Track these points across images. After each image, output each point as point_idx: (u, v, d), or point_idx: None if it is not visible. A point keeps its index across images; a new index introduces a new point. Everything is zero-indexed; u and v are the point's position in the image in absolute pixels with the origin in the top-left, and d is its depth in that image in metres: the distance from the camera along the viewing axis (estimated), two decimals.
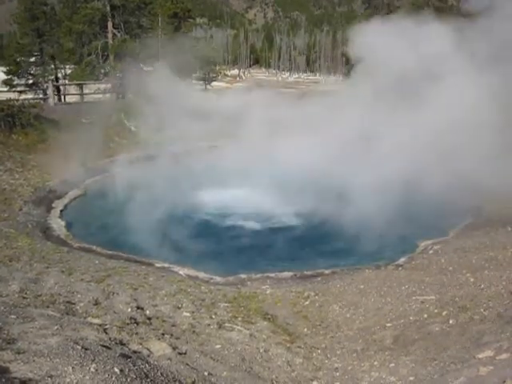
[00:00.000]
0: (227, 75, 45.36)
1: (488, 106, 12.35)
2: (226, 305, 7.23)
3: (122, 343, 4.73)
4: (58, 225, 11.71)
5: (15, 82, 25.37)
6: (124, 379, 3.56)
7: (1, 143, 15.88)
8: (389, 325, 6.41)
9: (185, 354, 5.04)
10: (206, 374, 4.65)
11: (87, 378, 3.42)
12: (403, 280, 7.76)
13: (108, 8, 25.40)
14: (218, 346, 5.63)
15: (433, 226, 11.26)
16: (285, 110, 17.25)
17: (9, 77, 25.32)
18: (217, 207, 12.73)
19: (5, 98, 18.41)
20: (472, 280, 7.20)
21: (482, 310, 6.00)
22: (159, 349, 4.85)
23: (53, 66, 27.35)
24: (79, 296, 6.74)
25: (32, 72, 25.93)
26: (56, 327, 4.54)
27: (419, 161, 12.41)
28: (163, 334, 5.63)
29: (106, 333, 4.98)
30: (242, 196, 13.18)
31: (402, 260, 9.53)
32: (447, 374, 4.40)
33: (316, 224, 11.54)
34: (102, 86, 27.52)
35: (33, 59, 25.84)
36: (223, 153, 16.10)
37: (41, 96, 24.70)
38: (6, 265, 7.89)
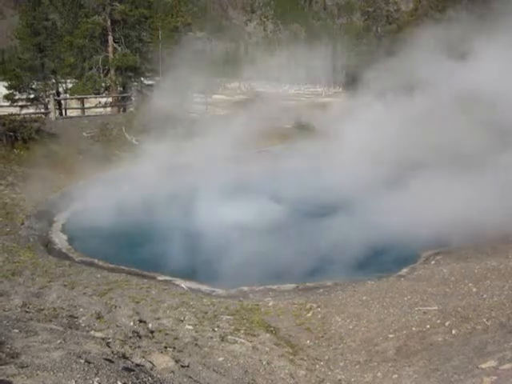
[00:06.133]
0: (227, 88, 45.52)
1: None
2: (229, 317, 7.21)
3: (124, 356, 4.73)
4: (59, 239, 11.71)
5: (17, 97, 25.55)
6: None
7: (2, 157, 15.96)
8: (391, 336, 6.40)
9: (188, 366, 5.04)
10: None
11: None
12: (405, 291, 7.75)
13: (109, 22, 25.64)
14: (221, 359, 5.62)
15: None
16: None
17: (10, 91, 25.48)
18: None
19: (6, 113, 18.53)
20: (474, 290, 7.20)
21: (484, 319, 5.99)
22: (162, 362, 4.85)
23: (54, 81, 27.53)
24: (82, 310, 6.74)
25: (33, 87, 26.10)
26: (59, 341, 4.55)
27: None
28: (166, 347, 5.62)
29: (109, 346, 4.98)
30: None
31: (404, 271, 9.52)
32: None
33: None
34: (103, 100, 27.71)
35: (34, 74, 26.00)
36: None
37: (42, 110, 24.84)
38: (8, 279, 7.90)
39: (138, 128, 20.25)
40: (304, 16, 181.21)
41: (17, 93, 25.61)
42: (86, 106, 27.86)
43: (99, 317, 6.52)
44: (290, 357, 6.05)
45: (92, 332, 5.75)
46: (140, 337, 5.87)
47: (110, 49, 26.13)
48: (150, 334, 6.14)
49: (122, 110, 26.07)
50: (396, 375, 5.21)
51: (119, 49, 26.03)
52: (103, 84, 26.98)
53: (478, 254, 9.46)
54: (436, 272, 8.76)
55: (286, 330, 7.05)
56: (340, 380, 5.50)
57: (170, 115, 20.37)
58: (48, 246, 11.19)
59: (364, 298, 7.82)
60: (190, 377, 4.67)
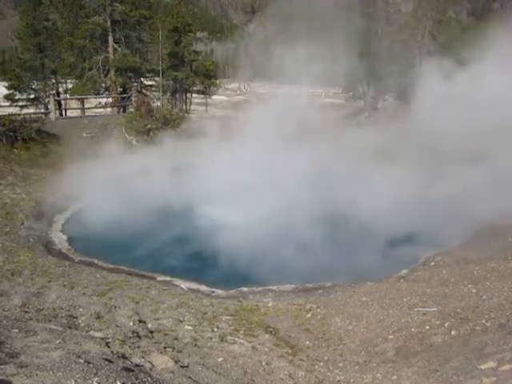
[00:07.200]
0: (227, 88, 45.51)
1: None
2: (228, 318, 7.22)
3: (124, 357, 4.73)
4: (59, 239, 11.71)
5: (17, 97, 25.58)
6: None
7: (2, 157, 15.97)
8: (391, 337, 6.40)
9: (187, 367, 5.04)
10: None
11: None
12: (405, 292, 7.75)
13: (109, 23, 25.65)
14: (220, 359, 5.62)
15: None
16: None
17: (10, 91, 25.49)
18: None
19: (6, 113, 18.52)
20: (474, 291, 7.20)
21: (484, 321, 5.99)
22: (161, 362, 4.85)
23: (54, 81, 27.55)
24: (81, 310, 6.74)
25: (33, 87, 26.10)
26: (58, 341, 4.55)
27: None
28: (165, 348, 5.62)
29: (109, 346, 4.98)
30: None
31: (403, 272, 9.51)
32: None
33: None
34: (103, 101, 27.72)
35: (34, 74, 25.99)
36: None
37: (42, 110, 24.84)
38: (8, 279, 7.90)
39: (138, 129, 20.26)
40: (304, 16, 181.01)
41: (17, 93, 25.63)
42: (86, 106, 27.91)
43: (99, 317, 6.52)
44: (290, 357, 6.05)
45: (91, 332, 5.76)
46: (139, 337, 5.88)
47: (110, 49, 26.14)
48: (150, 335, 6.14)
49: (121, 110, 26.04)
50: (395, 376, 5.20)
51: (119, 49, 26.04)
52: (103, 84, 27.01)
53: (478, 255, 9.45)
54: (435, 273, 8.76)
55: (285, 331, 7.05)
56: (339, 381, 5.50)
57: (169, 116, 20.39)
58: (48, 246, 11.18)
59: (363, 298, 7.82)
60: (190, 377, 4.67)
